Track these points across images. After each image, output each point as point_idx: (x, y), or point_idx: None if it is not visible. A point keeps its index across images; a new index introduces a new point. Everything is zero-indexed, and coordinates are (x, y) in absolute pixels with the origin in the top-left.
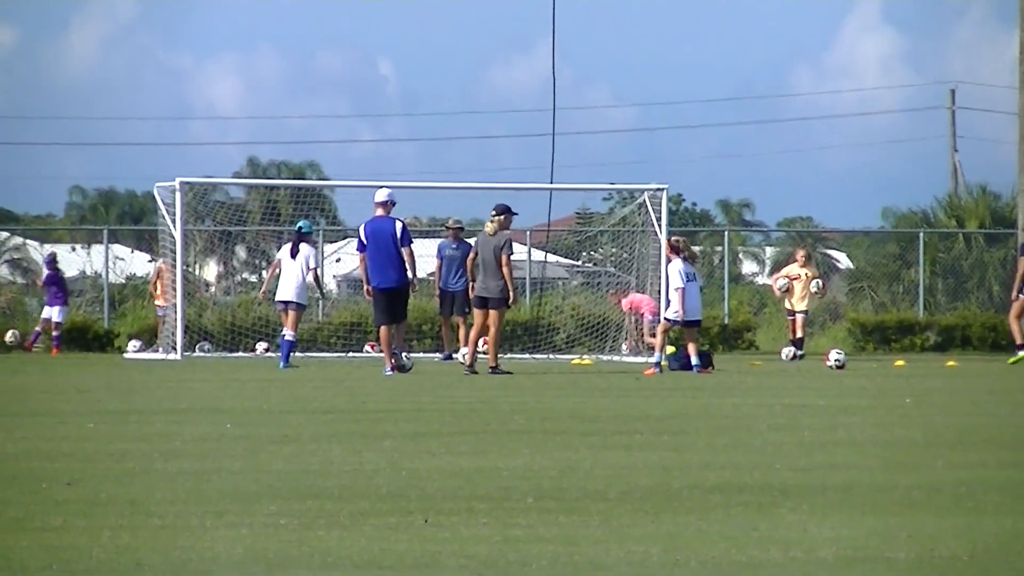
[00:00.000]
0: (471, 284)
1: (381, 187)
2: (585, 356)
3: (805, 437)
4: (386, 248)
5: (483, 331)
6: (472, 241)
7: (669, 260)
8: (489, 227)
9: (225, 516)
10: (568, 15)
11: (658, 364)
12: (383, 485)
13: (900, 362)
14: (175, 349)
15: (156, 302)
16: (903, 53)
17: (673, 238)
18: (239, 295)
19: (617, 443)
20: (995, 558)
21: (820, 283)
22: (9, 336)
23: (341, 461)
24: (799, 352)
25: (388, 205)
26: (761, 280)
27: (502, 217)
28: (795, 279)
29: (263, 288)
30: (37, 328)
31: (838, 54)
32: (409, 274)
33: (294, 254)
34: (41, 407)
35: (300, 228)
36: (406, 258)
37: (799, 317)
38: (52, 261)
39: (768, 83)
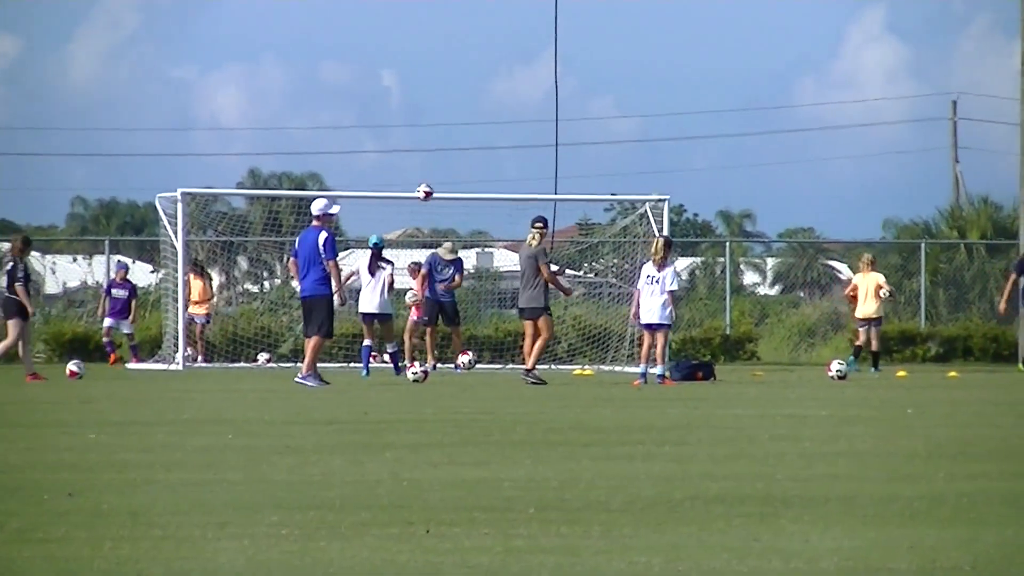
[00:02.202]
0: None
1: (318, 198)
2: (587, 367)
3: (807, 448)
4: (307, 258)
5: (534, 340)
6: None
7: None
8: (532, 239)
9: (227, 527)
10: (571, 26)
11: (643, 375)
12: (385, 496)
13: (902, 372)
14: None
15: (191, 309)
16: (906, 64)
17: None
18: (240, 306)
19: (619, 454)
20: (997, 569)
21: (888, 289)
22: (73, 366)
23: (343, 472)
24: (874, 368)
25: (322, 217)
26: (762, 291)
27: (544, 228)
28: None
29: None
30: (132, 342)
31: (841, 65)
32: (333, 287)
33: (372, 270)
34: (44, 418)
35: (376, 244)
36: (330, 271)
37: (868, 325)
38: (127, 270)
39: (771, 94)
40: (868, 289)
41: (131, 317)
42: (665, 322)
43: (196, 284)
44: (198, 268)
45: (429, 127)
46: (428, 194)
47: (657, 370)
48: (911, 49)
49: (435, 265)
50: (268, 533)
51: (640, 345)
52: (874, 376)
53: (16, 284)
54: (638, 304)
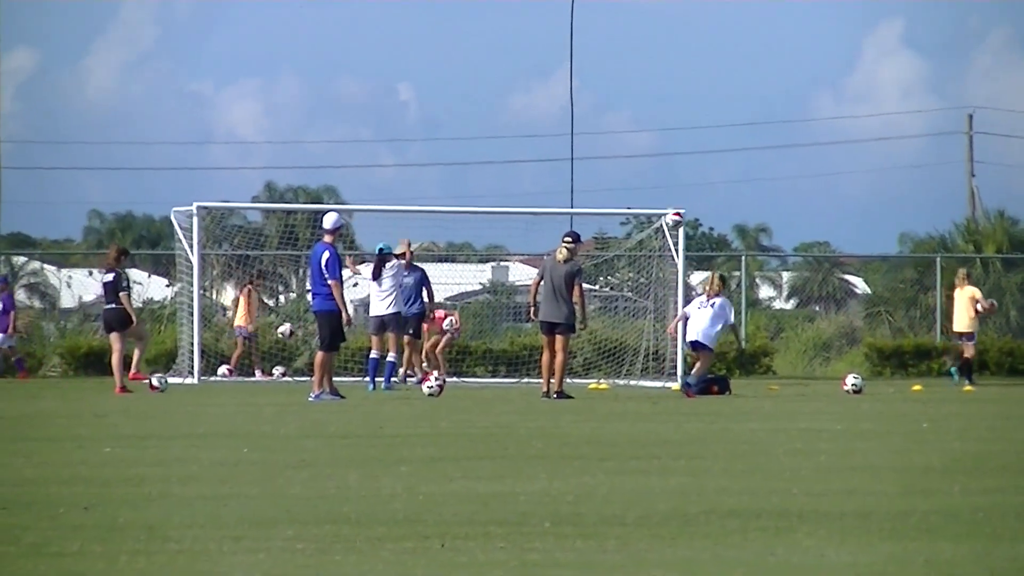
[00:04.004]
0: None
1: (329, 211)
2: (602, 381)
3: (822, 462)
4: (313, 273)
5: (552, 355)
6: (423, 266)
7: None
8: (561, 253)
9: (242, 541)
10: (587, 41)
11: (689, 385)
12: (400, 510)
13: (917, 387)
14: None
15: (237, 322)
16: (923, 78)
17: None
18: (256, 319)
19: (634, 468)
20: None
21: (984, 304)
22: (156, 380)
23: (358, 486)
24: (967, 380)
25: (330, 232)
26: (778, 305)
27: (575, 245)
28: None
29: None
30: None
31: (858, 79)
32: (338, 305)
33: (376, 276)
34: (59, 432)
35: (381, 249)
36: (333, 290)
37: (963, 339)
38: (5, 282)
39: (787, 108)
40: (962, 303)
41: (9, 330)
42: (710, 345)
43: (251, 299)
44: (255, 283)
45: (446, 141)
46: None
47: (689, 379)
48: (927, 63)
49: (400, 280)
50: (283, 547)
51: (653, 359)
52: (966, 388)
53: (121, 293)
54: (684, 321)
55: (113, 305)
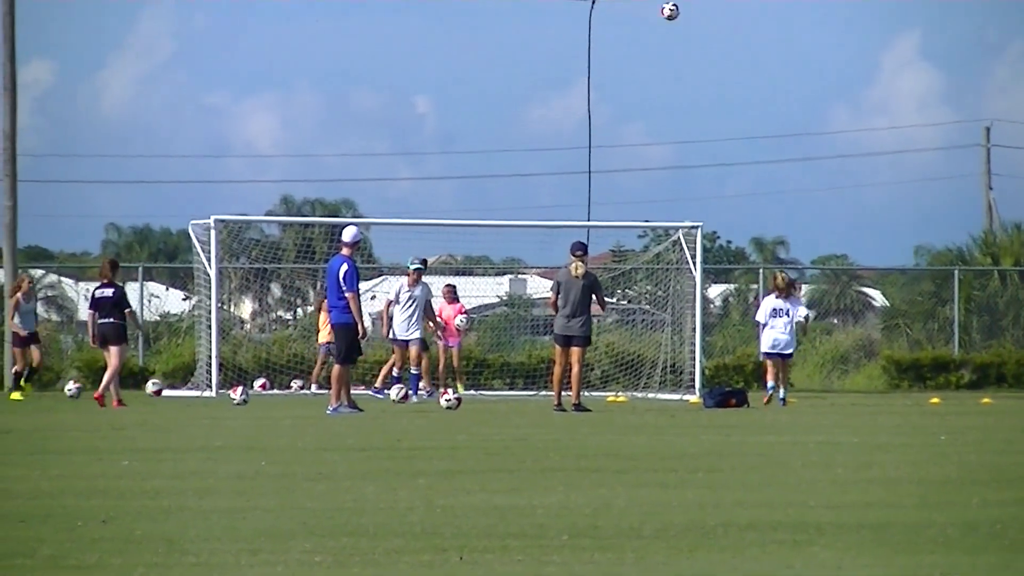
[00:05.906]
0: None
1: (349, 224)
2: (620, 393)
3: (839, 475)
4: (330, 286)
5: (564, 368)
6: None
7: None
8: (578, 268)
9: (260, 554)
10: (604, 53)
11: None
12: (417, 523)
13: (935, 399)
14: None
15: (322, 339)
16: (940, 90)
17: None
18: (274, 332)
19: (652, 480)
20: None
21: None
22: (239, 395)
23: (376, 499)
24: None
25: (349, 245)
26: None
27: (586, 256)
28: None
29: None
30: None
31: (875, 92)
32: (355, 318)
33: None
34: (76, 445)
35: (416, 265)
36: (350, 302)
37: None
38: None
39: (805, 121)
40: None
41: None
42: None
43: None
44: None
45: (463, 154)
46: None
47: (781, 393)
48: (945, 76)
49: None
50: (301, 560)
51: (671, 371)
52: None
53: (127, 310)
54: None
55: (111, 320)
